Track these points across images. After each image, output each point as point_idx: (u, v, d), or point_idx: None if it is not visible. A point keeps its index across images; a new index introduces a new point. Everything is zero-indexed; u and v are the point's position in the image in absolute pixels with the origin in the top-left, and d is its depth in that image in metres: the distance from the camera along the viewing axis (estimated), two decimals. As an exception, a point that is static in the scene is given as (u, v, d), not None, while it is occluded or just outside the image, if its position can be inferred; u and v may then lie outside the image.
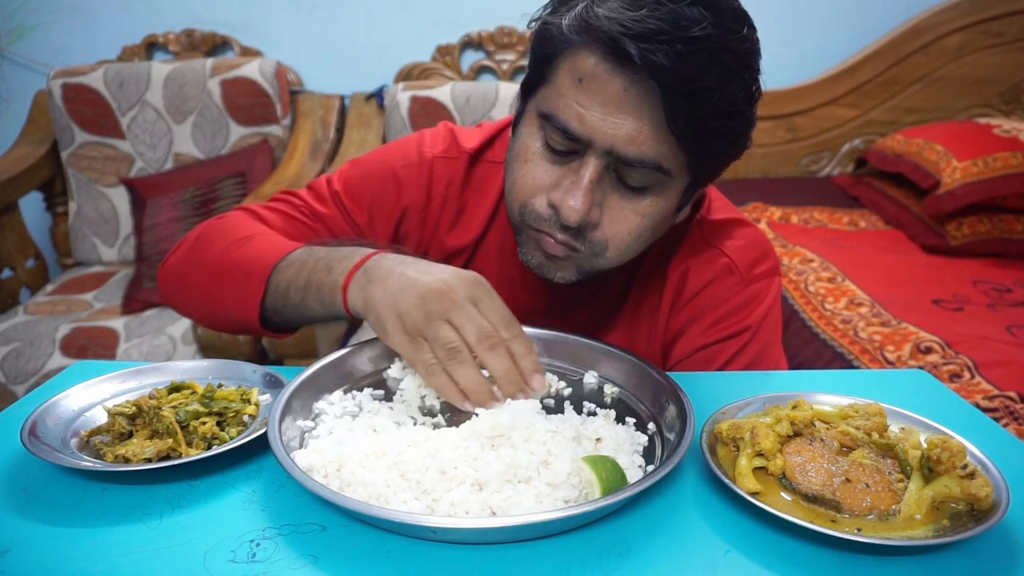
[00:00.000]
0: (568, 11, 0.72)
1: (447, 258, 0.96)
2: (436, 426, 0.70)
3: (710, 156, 0.75)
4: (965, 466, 0.56)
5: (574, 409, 0.72)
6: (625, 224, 0.76)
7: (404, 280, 0.69)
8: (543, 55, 0.75)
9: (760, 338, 0.88)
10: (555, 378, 0.78)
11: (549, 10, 0.76)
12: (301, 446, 0.66)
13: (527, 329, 0.83)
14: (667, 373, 0.73)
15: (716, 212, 0.93)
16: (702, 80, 0.66)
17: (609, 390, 0.77)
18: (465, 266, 0.96)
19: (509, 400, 0.74)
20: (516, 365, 0.69)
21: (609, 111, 0.70)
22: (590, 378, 0.78)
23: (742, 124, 0.74)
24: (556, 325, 0.85)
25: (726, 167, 0.80)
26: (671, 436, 0.66)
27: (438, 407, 0.73)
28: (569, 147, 0.74)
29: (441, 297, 0.67)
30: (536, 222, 0.78)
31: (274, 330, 0.85)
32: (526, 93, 0.80)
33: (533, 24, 0.78)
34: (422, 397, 0.74)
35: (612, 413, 0.71)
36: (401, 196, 0.94)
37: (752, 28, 0.72)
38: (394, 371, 0.79)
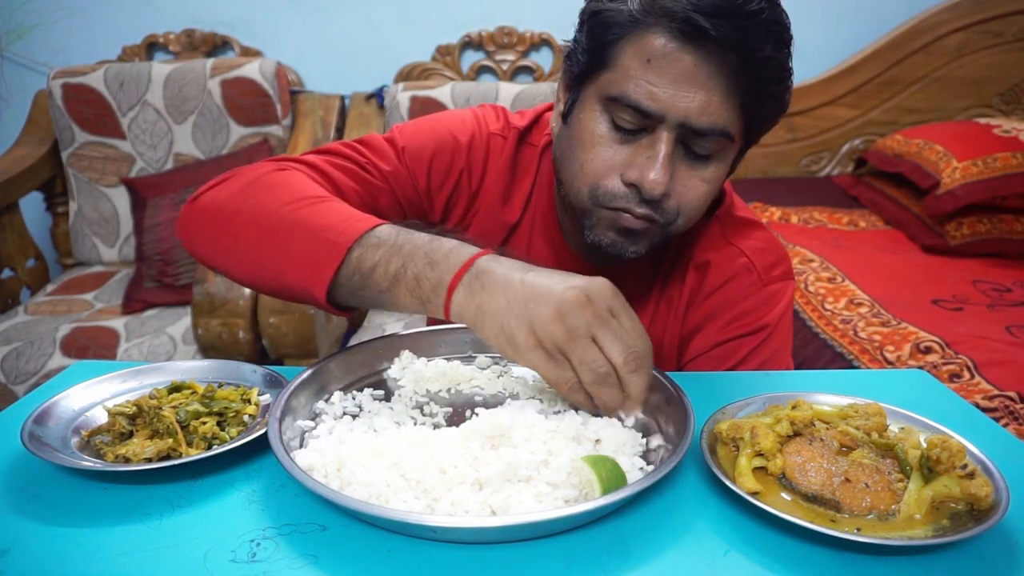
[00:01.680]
0: None
1: (495, 231, 0.97)
2: (436, 426, 0.70)
3: (764, 120, 0.81)
4: (965, 466, 0.56)
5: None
6: (694, 192, 0.80)
7: (532, 290, 0.64)
8: (602, 42, 0.78)
9: (776, 338, 0.90)
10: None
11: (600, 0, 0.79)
12: (301, 446, 0.66)
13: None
14: (667, 373, 0.73)
15: (737, 210, 0.95)
16: (763, 49, 0.73)
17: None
18: (504, 243, 0.97)
19: (509, 400, 0.74)
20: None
21: (680, 86, 0.74)
22: None
23: (788, 90, 0.80)
24: None
25: (767, 133, 0.85)
26: (671, 436, 0.66)
27: (438, 407, 0.73)
28: (640, 124, 0.77)
29: (581, 311, 0.62)
30: (612, 201, 0.80)
31: (337, 306, 0.74)
32: (580, 82, 0.82)
33: (585, 15, 0.81)
34: (421, 398, 0.74)
35: (614, 421, 0.71)
36: (456, 162, 0.94)
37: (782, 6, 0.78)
38: (394, 371, 0.79)
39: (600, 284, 0.65)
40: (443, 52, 2.56)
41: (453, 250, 0.69)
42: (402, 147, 0.92)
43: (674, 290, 0.94)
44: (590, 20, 0.79)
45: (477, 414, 0.69)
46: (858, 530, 0.54)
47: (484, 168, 0.95)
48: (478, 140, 0.95)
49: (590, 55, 0.80)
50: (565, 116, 0.85)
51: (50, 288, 2.21)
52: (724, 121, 0.76)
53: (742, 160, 0.87)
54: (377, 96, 2.49)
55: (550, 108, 0.97)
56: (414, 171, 0.92)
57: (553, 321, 0.62)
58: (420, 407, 0.73)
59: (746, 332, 0.89)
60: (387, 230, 0.72)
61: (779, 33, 0.74)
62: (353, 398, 0.74)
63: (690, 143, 0.78)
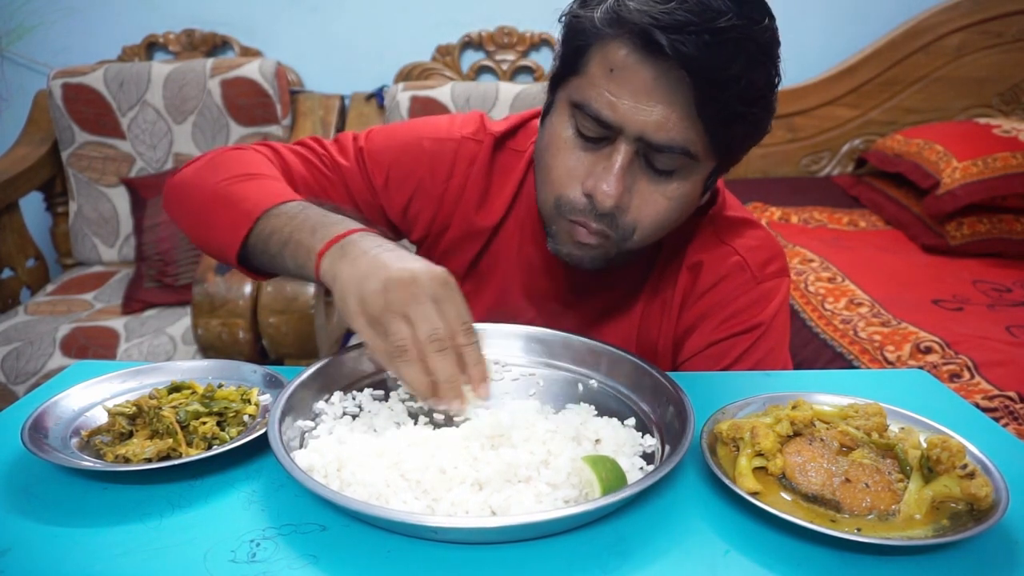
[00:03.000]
0: (599, 4, 0.75)
1: (471, 235, 0.97)
2: (436, 426, 0.70)
3: (734, 141, 0.78)
4: (965, 466, 0.57)
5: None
6: (653, 207, 0.79)
7: (374, 264, 0.68)
8: (574, 47, 0.78)
9: (771, 336, 0.90)
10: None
11: (579, 3, 0.78)
12: (301, 446, 0.66)
13: (529, 329, 0.84)
14: (667, 373, 0.73)
15: (729, 209, 0.95)
16: (728, 68, 0.70)
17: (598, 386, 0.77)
18: (484, 248, 0.98)
19: (509, 400, 0.74)
20: (465, 371, 0.69)
21: (639, 99, 0.73)
22: (591, 380, 0.79)
23: (764, 110, 0.77)
24: (572, 310, 0.87)
25: (747, 152, 0.83)
26: (671, 436, 0.66)
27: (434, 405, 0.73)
28: (600, 134, 0.77)
29: (403, 288, 0.66)
30: (572, 213, 0.80)
31: (250, 270, 0.86)
32: (556, 84, 0.82)
33: (564, 18, 0.80)
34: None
35: (614, 421, 0.71)
36: (420, 165, 0.95)
37: (772, 18, 0.75)
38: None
39: (434, 271, 0.68)
40: (443, 52, 2.56)
41: (336, 224, 0.75)
42: (362, 147, 0.96)
43: (667, 291, 0.93)
44: (566, 24, 0.79)
45: (477, 414, 0.70)
46: (858, 530, 0.54)
47: (450, 171, 0.95)
48: (446, 144, 0.95)
49: (564, 59, 0.80)
50: (543, 118, 0.85)
51: (50, 288, 2.21)
52: (683, 138, 0.74)
53: (725, 171, 0.85)
54: (377, 96, 2.48)
55: (537, 114, 0.97)
56: (371, 171, 0.95)
57: (377, 293, 0.67)
58: (420, 409, 0.73)
59: (740, 331, 0.89)
60: (295, 205, 0.80)
61: (752, 53, 0.71)
62: (353, 398, 0.74)
63: (650, 158, 0.76)
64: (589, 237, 0.80)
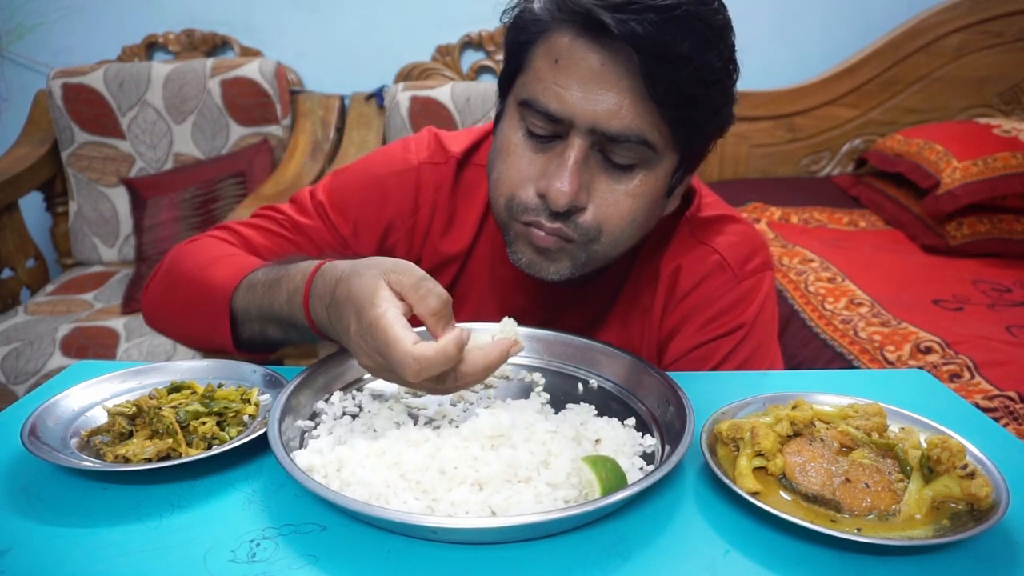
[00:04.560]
0: None
1: (442, 264, 0.94)
2: (436, 426, 0.70)
3: (693, 129, 0.75)
4: (965, 466, 0.56)
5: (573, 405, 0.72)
6: (616, 207, 0.75)
7: (343, 341, 0.67)
8: (518, 44, 0.75)
9: (755, 335, 0.88)
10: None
11: (520, 0, 0.76)
12: (301, 446, 0.66)
13: (529, 329, 0.84)
14: (667, 373, 0.73)
15: (706, 209, 0.92)
16: (678, 47, 0.67)
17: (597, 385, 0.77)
18: (459, 272, 0.95)
19: (509, 400, 0.74)
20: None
21: (588, 87, 0.70)
22: (591, 380, 0.79)
23: (722, 95, 0.74)
24: (550, 327, 0.84)
25: (711, 145, 0.80)
26: (671, 436, 0.66)
27: (436, 405, 0.73)
28: (552, 131, 0.74)
29: (371, 369, 0.65)
30: (523, 214, 0.76)
31: (268, 350, 0.85)
32: (504, 88, 0.80)
33: (506, 17, 0.77)
34: (419, 399, 0.74)
35: (614, 421, 0.71)
36: (387, 205, 0.92)
37: (722, 4, 0.73)
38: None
39: (369, 341, 0.63)
40: (443, 52, 2.56)
41: (296, 273, 0.73)
42: (321, 201, 0.93)
43: (646, 299, 0.91)
44: (509, 22, 0.77)
45: (477, 414, 0.70)
46: (858, 530, 0.54)
47: (415, 202, 0.92)
48: (406, 176, 0.92)
49: (509, 58, 0.77)
50: (495, 126, 0.82)
51: (50, 288, 2.21)
52: (639, 127, 0.71)
53: (691, 170, 0.82)
54: (377, 96, 2.48)
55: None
56: (334, 222, 0.92)
57: (372, 370, 0.66)
58: (420, 409, 0.73)
59: (723, 333, 0.87)
60: (248, 279, 0.79)
61: (702, 32, 0.68)
62: (353, 398, 0.74)
63: (607, 152, 0.73)
64: (546, 240, 0.76)
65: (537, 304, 0.93)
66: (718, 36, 0.71)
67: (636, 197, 0.75)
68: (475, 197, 0.93)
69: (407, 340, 0.59)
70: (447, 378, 0.62)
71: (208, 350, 0.87)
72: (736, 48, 0.74)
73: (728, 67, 0.73)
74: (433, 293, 0.62)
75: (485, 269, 0.94)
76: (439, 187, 0.92)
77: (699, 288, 0.88)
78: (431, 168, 0.92)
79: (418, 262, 0.91)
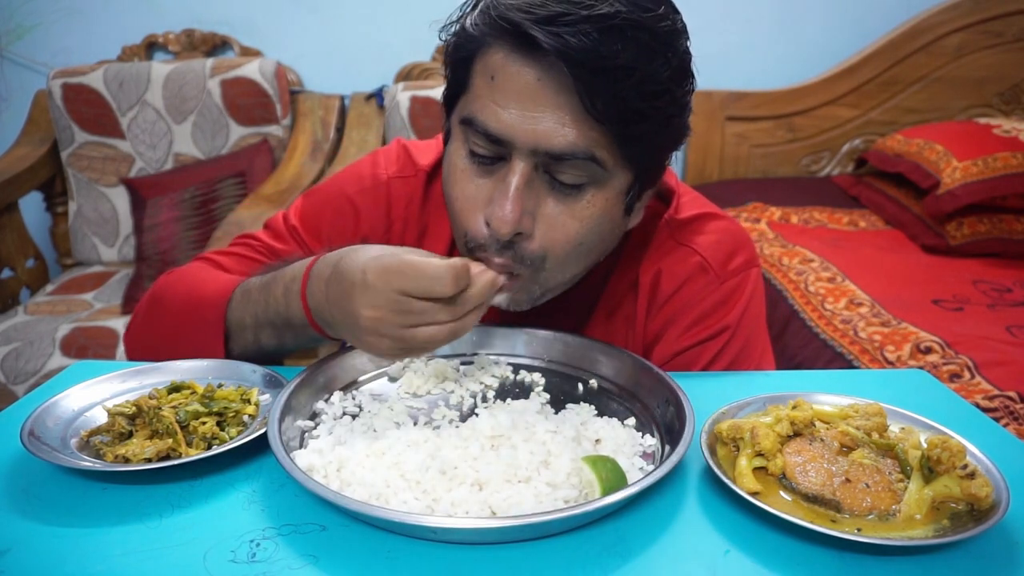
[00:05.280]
0: (473, 10, 0.71)
1: None
2: (436, 426, 0.70)
3: (642, 144, 0.71)
4: (965, 466, 0.56)
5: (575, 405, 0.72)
6: (562, 231, 0.71)
7: (344, 316, 0.68)
8: (457, 61, 0.73)
9: (740, 336, 0.86)
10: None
11: (457, 16, 0.74)
12: (301, 446, 0.66)
13: (529, 329, 0.84)
14: (667, 373, 0.73)
15: (684, 209, 0.89)
16: (615, 59, 0.64)
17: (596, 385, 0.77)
18: None
19: (510, 400, 0.74)
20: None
21: (526, 105, 0.67)
22: (591, 380, 0.79)
23: (671, 106, 0.70)
24: None
25: (666, 158, 0.77)
26: (671, 436, 0.66)
27: (436, 405, 0.73)
28: (494, 152, 0.71)
29: (378, 330, 0.66)
30: (477, 249, 0.73)
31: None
32: (449, 107, 0.77)
33: (444, 34, 0.75)
34: (418, 399, 0.74)
35: (614, 421, 0.71)
36: (360, 223, 0.91)
37: (673, 9, 0.70)
38: (394, 371, 0.79)
39: (374, 278, 0.65)
40: (443, 52, 2.55)
41: (296, 265, 0.75)
42: (293, 226, 0.93)
43: (627, 306, 0.89)
44: (448, 41, 0.74)
45: (477, 414, 0.70)
46: (858, 530, 0.54)
47: (388, 219, 0.91)
48: (376, 193, 0.91)
49: (450, 77, 0.75)
50: (444, 148, 0.80)
51: (50, 288, 2.21)
52: (584, 143, 0.67)
53: (650, 185, 0.78)
54: (377, 96, 2.48)
55: None
56: (308, 244, 0.92)
57: (375, 344, 0.68)
58: (420, 410, 0.73)
59: (707, 336, 0.85)
60: (247, 283, 0.80)
61: (645, 41, 0.65)
62: (353, 398, 0.74)
63: (553, 172, 0.69)
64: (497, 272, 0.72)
65: (512, 315, 0.89)
66: (664, 44, 0.67)
67: (584, 220, 0.72)
68: (444, 214, 0.90)
69: (431, 257, 0.64)
70: (458, 300, 0.65)
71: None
72: (690, 54, 0.71)
73: (678, 76, 0.69)
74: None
75: None
76: (410, 201, 0.91)
77: (681, 291, 0.86)
78: (401, 183, 0.91)
79: None
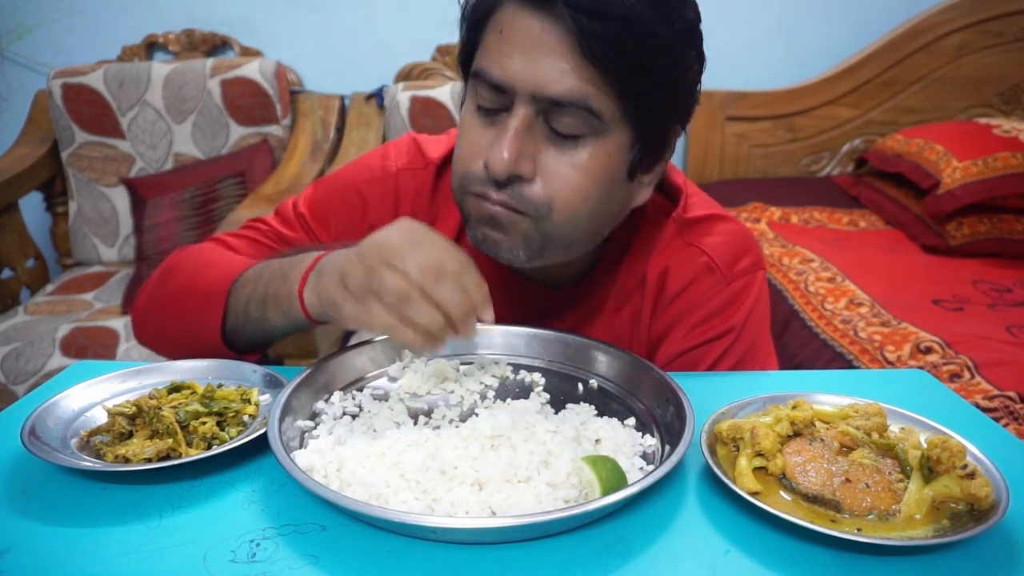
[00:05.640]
0: None
1: None
2: (436, 426, 0.70)
3: (642, 100, 0.72)
4: (965, 466, 0.56)
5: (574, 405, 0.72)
6: (564, 180, 0.73)
7: (347, 254, 0.69)
8: (472, 21, 0.76)
9: (745, 337, 0.86)
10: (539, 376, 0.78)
11: None
12: (301, 446, 0.66)
13: (529, 329, 0.84)
14: (667, 373, 0.73)
15: (693, 209, 0.90)
16: (618, 7, 0.66)
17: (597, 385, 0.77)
18: None
19: (510, 400, 0.74)
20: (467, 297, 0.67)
21: (529, 54, 0.70)
22: (591, 380, 0.79)
23: (675, 66, 0.72)
24: None
25: (671, 126, 0.78)
26: (671, 436, 0.66)
27: (436, 405, 0.73)
28: (498, 103, 0.73)
29: (377, 248, 0.66)
30: (473, 185, 0.75)
31: (241, 352, 0.83)
32: (464, 69, 0.79)
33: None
34: (418, 399, 0.74)
35: (614, 421, 0.71)
36: (367, 214, 0.92)
37: None
38: (394, 371, 0.79)
39: (402, 223, 0.69)
40: (443, 52, 2.55)
41: (301, 261, 0.75)
42: (302, 213, 0.94)
43: (635, 304, 0.89)
44: (464, 4, 0.77)
45: (477, 414, 0.70)
46: (858, 530, 0.54)
47: (395, 210, 0.92)
48: (385, 184, 0.92)
49: (466, 38, 0.77)
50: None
51: (50, 288, 2.21)
52: (582, 91, 0.69)
53: (650, 149, 0.77)
54: (377, 96, 2.48)
55: None
56: (316, 232, 0.93)
57: (355, 267, 0.66)
58: (420, 410, 0.73)
59: (712, 337, 0.85)
60: (256, 268, 0.80)
61: None
62: (353, 398, 0.74)
63: (552, 121, 0.72)
64: (494, 210, 0.74)
65: (520, 309, 0.91)
66: (670, 5, 0.69)
67: (586, 171, 0.73)
68: (454, 204, 0.92)
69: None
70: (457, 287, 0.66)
71: (200, 353, 0.84)
72: (698, 24, 0.72)
73: (682, 37, 0.71)
74: None
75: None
76: (418, 193, 0.92)
77: (688, 291, 0.87)
78: (409, 175, 0.92)
79: None
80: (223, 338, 0.81)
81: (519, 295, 0.90)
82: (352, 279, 0.66)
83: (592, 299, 0.91)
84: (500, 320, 0.88)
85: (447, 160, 0.92)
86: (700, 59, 0.75)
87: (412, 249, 0.65)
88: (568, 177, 0.73)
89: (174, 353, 0.85)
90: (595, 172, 0.73)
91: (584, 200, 0.74)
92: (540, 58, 0.69)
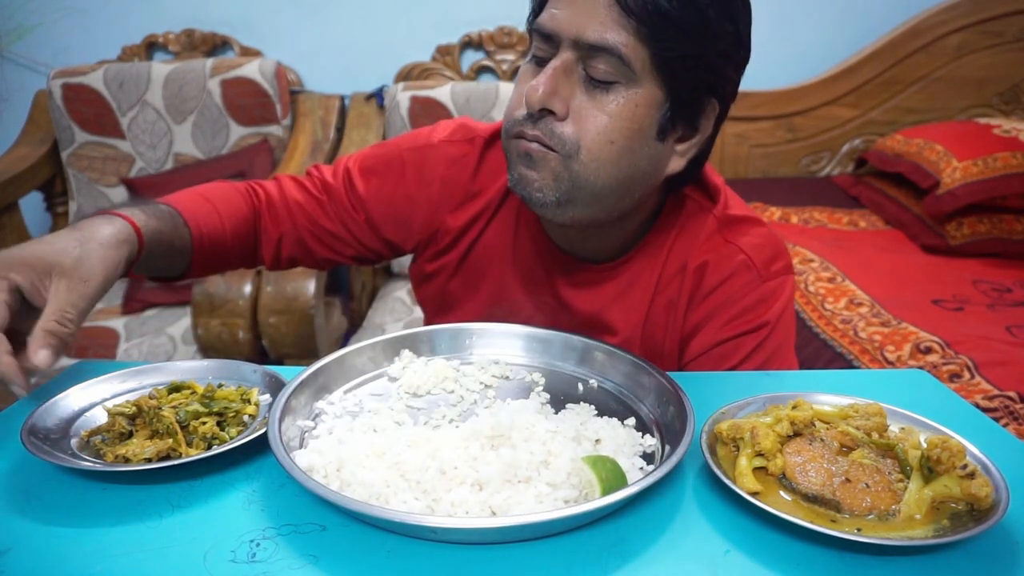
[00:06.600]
0: None
1: (455, 239, 0.98)
2: (436, 426, 0.70)
3: (671, 55, 0.76)
4: (965, 466, 0.56)
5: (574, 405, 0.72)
6: (593, 122, 0.77)
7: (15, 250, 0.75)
8: None
9: (777, 335, 0.89)
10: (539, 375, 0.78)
11: None
12: (301, 446, 0.66)
13: (529, 329, 0.84)
14: (667, 373, 0.73)
15: (733, 208, 0.94)
16: None
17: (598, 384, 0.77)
18: (473, 243, 0.98)
19: (509, 400, 0.74)
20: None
21: (576, 6, 0.76)
22: (591, 380, 0.79)
23: (706, 30, 0.75)
24: (568, 309, 0.89)
25: (701, 90, 0.80)
26: (671, 436, 0.66)
27: (436, 405, 0.73)
28: (549, 52, 0.79)
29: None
30: (514, 126, 0.81)
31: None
32: (531, 33, 0.85)
33: None
34: (418, 399, 0.74)
35: (614, 421, 0.71)
36: (404, 178, 0.98)
37: None
38: (394, 371, 0.79)
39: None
40: (443, 52, 2.56)
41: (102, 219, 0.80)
42: (348, 167, 1.01)
43: (672, 293, 0.92)
44: None
45: (477, 414, 0.70)
46: (858, 530, 0.54)
47: (431, 176, 0.98)
48: (424, 152, 0.98)
49: (533, 6, 0.83)
50: None
51: (50, 288, 2.21)
52: (615, 39, 0.74)
53: (681, 114, 0.80)
54: (377, 96, 2.48)
55: None
56: (354, 184, 1.00)
57: None
58: (419, 409, 0.73)
59: (746, 330, 0.88)
60: (153, 205, 0.88)
61: None
62: (353, 398, 0.74)
63: (588, 67, 0.77)
64: (529, 147, 0.79)
65: (560, 284, 0.95)
66: None
67: (613, 116, 0.77)
68: (499, 176, 0.97)
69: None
70: None
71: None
72: (738, 6, 0.79)
73: (719, 4, 0.75)
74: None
75: (508, 242, 0.98)
76: (452, 163, 0.97)
77: (724, 286, 0.90)
78: (448, 145, 0.98)
79: (435, 234, 0.99)
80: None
81: (560, 270, 0.94)
82: None
83: (630, 280, 0.94)
84: (538, 290, 0.95)
85: (496, 136, 0.98)
86: (738, 40, 0.80)
87: None
88: (596, 119, 0.77)
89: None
90: (622, 119, 0.77)
91: (609, 143, 0.78)
92: (584, 9, 0.75)
